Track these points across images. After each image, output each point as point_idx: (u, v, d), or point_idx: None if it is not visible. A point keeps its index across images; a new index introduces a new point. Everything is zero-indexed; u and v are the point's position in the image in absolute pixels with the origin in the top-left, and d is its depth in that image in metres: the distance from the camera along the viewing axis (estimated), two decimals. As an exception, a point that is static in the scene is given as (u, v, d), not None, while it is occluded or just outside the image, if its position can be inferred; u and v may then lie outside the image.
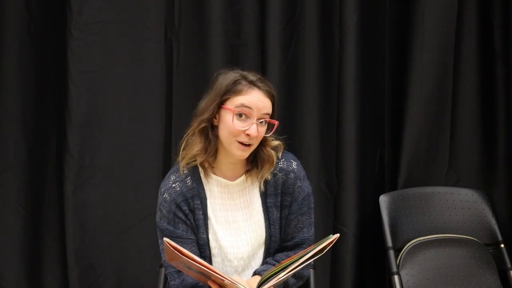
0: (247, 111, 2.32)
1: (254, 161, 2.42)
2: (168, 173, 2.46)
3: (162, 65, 3.19)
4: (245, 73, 2.39)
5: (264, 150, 2.41)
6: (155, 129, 3.21)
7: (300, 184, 2.47)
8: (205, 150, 2.39)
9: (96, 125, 3.17)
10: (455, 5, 3.20)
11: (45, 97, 3.19)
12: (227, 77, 2.38)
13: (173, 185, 2.41)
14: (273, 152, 2.43)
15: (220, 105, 2.35)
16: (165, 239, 2.14)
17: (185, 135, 2.44)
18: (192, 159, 2.41)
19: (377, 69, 3.27)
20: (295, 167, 2.48)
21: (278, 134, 2.47)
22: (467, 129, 3.30)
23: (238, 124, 2.33)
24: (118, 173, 3.19)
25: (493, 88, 3.29)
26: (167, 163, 3.17)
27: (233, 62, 3.18)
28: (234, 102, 2.34)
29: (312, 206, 2.51)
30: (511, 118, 3.25)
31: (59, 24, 3.14)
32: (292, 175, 2.46)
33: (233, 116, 2.32)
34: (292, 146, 3.16)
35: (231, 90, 2.35)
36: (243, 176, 2.45)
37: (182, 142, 2.44)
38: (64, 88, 3.14)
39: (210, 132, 2.38)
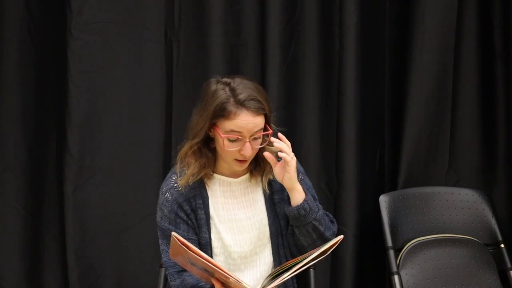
0: (237, 135, 2.30)
1: (255, 160, 2.42)
2: (170, 173, 2.46)
3: (162, 65, 3.19)
4: (234, 86, 2.31)
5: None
6: (155, 129, 3.21)
7: (302, 177, 2.49)
8: (202, 166, 2.38)
9: (96, 125, 3.17)
10: (455, 5, 3.20)
11: (45, 97, 3.19)
12: (215, 96, 2.30)
13: (175, 185, 2.40)
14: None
15: (211, 125, 2.33)
16: (173, 233, 2.13)
17: (178, 154, 2.41)
18: (192, 177, 2.40)
19: (377, 69, 3.27)
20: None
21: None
22: (467, 129, 3.30)
23: (231, 146, 2.31)
24: (118, 173, 3.19)
25: (493, 88, 3.28)
26: (167, 163, 3.17)
27: (233, 62, 3.19)
28: (223, 126, 2.30)
29: (317, 197, 2.53)
30: (511, 118, 3.25)
31: (59, 24, 3.14)
32: None
33: (223, 141, 2.30)
34: (292, 146, 3.17)
35: (219, 114, 2.29)
36: (246, 176, 2.45)
37: (177, 160, 2.42)
38: (64, 88, 3.14)
39: (205, 149, 2.37)
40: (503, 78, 3.26)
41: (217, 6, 3.14)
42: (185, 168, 2.40)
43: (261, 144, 2.35)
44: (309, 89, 3.24)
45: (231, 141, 2.31)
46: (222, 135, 2.29)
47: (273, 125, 2.40)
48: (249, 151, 2.31)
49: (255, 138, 2.32)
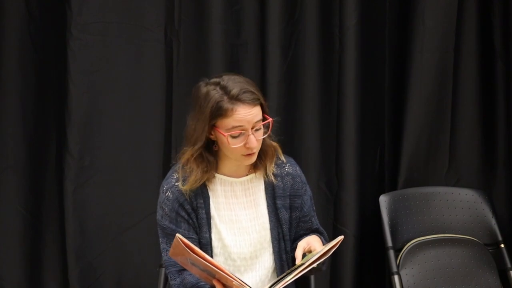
0: (239, 130, 2.30)
1: (257, 155, 2.42)
2: (170, 171, 2.46)
3: (162, 65, 3.19)
4: (224, 83, 2.32)
5: (263, 143, 2.41)
6: (155, 129, 3.21)
7: (305, 188, 2.51)
8: (204, 171, 2.38)
9: (96, 125, 3.17)
10: (455, 5, 3.20)
11: (45, 97, 3.19)
12: (208, 98, 2.31)
13: (176, 184, 2.40)
14: (272, 142, 2.44)
15: (211, 127, 2.33)
16: (178, 235, 2.13)
17: (179, 161, 2.41)
18: (196, 183, 2.39)
19: (377, 69, 3.27)
20: (299, 172, 2.51)
21: (277, 134, 2.47)
22: (467, 129, 3.30)
23: (235, 143, 2.32)
24: (118, 173, 3.19)
25: (493, 88, 3.29)
26: (167, 163, 3.16)
27: (233, 62, 3.19)
28: (224, 125, 2.30)
29: (314, 209, 2.55)
30: (511, 118, 3.25)
31: (59, 24, 3.14)
32: (298, 179, 2.49)
33: (227, 139, 2.31)
34: (292, 146, 3.18)
35: (217, 114, 2.30)
36: (248, 176, 2.45)
37: (179, 167, 2.41)
38: (64, 88, 3.14)
39: (206, 153, 2.37)
40: (503, 78, 3.27)
41: (217, 6, 3.14)
42: (187, 174, 2.40)
43: (264, 133, 2.36)
44: (309, 89, 3.24)
45: (234, 137, 2.31)
46: (225, 134, 2.30)
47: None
48: (254, 143, 2.32)
49: (257, 130, 2.33)
